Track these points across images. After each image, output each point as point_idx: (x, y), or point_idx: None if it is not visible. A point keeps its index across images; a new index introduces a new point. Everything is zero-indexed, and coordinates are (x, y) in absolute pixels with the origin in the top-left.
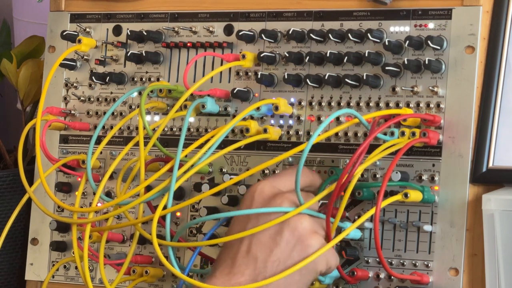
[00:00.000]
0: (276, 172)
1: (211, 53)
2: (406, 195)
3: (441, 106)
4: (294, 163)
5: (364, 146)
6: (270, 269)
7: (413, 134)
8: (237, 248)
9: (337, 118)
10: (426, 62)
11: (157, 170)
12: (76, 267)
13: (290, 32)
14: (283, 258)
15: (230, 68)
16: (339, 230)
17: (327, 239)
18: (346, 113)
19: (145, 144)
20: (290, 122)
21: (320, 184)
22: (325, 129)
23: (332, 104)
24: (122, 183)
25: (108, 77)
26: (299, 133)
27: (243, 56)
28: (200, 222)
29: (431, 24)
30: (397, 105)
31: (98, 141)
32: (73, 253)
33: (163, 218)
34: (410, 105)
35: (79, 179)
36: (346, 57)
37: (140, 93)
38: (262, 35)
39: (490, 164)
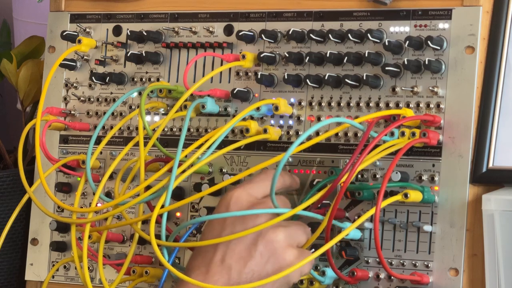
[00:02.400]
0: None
1: (211, 53)
2: (406, 195)
3: (441, 106)
4: (293, 163)
5: (364, 155)
6: (244, 280)
7: (413, 134)
8: (211, 256)
9: None
10: (426, 62)
11: (157, 170)
12: (76, 267)
13: (290, 32)
14: (257, 270)
15: (230, 68)
16: (338, 231)
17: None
18: (338, 121)
19: (145, 144)
20: (290, 122)
21: (298, 185)
22: (325, 129)
23: (332, 104)
24: (122, 183)
25: (108, 77)
26: (299, 133)
27: (243, 56)
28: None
29: (431, 25)
30: (397, 106)
31: (98, 141)
32: (72, 253)
33: (162, 217)
34: (410, 105)
35: (79, 179)
36: (346, 57)
37: (140, 93)
38: (262, 35)
39: (490, 165)
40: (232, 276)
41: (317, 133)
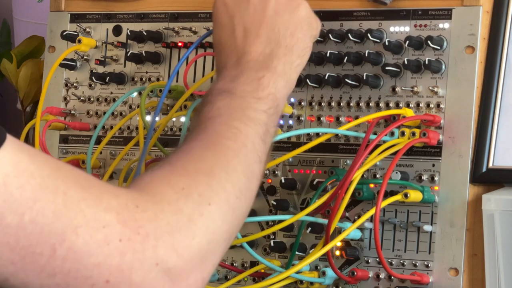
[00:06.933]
0: (276, 172)
1: (211, 53)
2: (406, 195)
3: (441, 106)
4: (293, 163)
5: (364, 155)
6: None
7: (413, 134)
8: (231, 37)
9: (337, 119)
10: (426, 62)
11: None
12: None
13: None
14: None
15: None
16: (339, 231)
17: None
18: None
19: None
20: (290, 122)
21: None
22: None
23: (332, 104)
24: (124, 183)
25: (108, 77)
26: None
27: None
28: None
29: (431, 24)
30: (397, 105)
31: (98, 141)
32: None
33: None
34: (410, 105)
35: None
36: (346, 57)
37: (140, 93)
38: None
39: (490, 164)
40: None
41: (317, 134)
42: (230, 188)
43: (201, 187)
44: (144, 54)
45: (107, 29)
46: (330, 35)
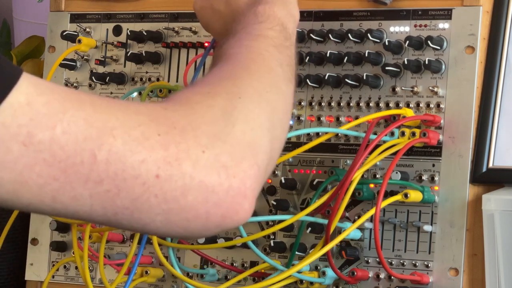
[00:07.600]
0: (276, 172)
1: (211, 53)
2: (406, 195)
3: (441, 106)
4: (294, 163)
5: (365, 155)
6: None
7: (413, 134)
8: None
9: (337, 119)
10: (426, 62)
11: None
12: (76, 267)
13: None
14: None
15: None
16: (339, 231)
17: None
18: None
19: None
20: (290, 122)
21: None
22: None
23: (332, 104)
24: None
25: (108, 77)
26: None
27: None
28: None
29: (431, 24)
30: (397, 105)
31: None
32: (73, 253)
33: None
34: (410, 105)
35: None
36: (346, 57)
37: (140, 93)
38: None
39: (490, 164)
40: None
41: (317, 134)
42: (257, 84)
43: (227, 88)
44: (144, 54)
45: (107, 29)
46: (330, 35)
